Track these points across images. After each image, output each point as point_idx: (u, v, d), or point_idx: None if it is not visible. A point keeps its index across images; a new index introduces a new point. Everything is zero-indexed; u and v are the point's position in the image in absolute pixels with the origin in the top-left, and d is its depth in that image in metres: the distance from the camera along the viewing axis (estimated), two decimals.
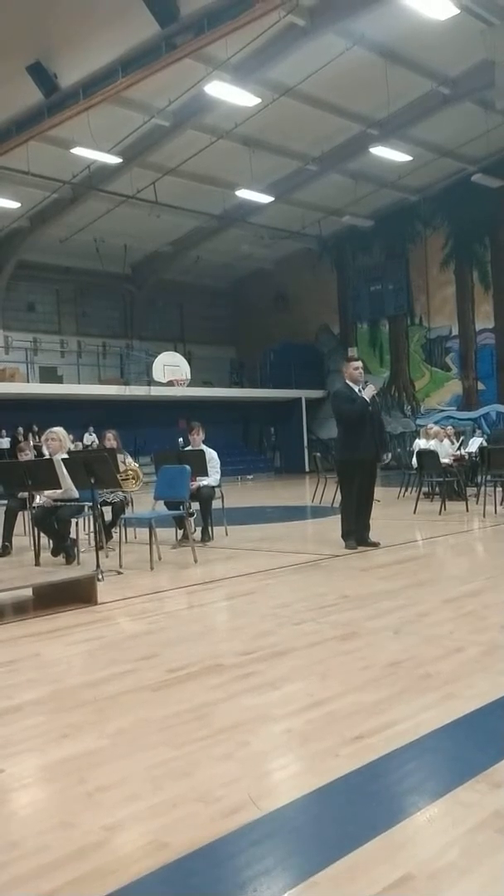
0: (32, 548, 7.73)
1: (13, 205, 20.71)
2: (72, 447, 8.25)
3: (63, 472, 7.18)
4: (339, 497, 8.43)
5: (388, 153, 20.10)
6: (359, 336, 27.53)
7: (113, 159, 18.89)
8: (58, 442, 7.80)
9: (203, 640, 4.63)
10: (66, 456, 7.54)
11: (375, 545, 7.82)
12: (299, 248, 27.43)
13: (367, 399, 7.66)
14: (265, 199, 22.18)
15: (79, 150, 17.86)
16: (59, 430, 7.95)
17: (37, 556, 7.42)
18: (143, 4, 13.67)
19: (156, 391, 23.50)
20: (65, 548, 7.42)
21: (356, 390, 7.74)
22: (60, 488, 7.27)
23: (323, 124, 19.36)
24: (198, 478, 8.67)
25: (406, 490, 13.83)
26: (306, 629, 4.67)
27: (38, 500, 7.63)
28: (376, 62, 16.59)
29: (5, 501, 9.07)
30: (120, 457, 8.72)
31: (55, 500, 7.41)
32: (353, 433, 7.72)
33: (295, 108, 18.04)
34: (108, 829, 2.33)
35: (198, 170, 20.42)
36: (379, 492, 13.36)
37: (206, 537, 9.01)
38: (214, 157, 19.62)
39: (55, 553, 7.55)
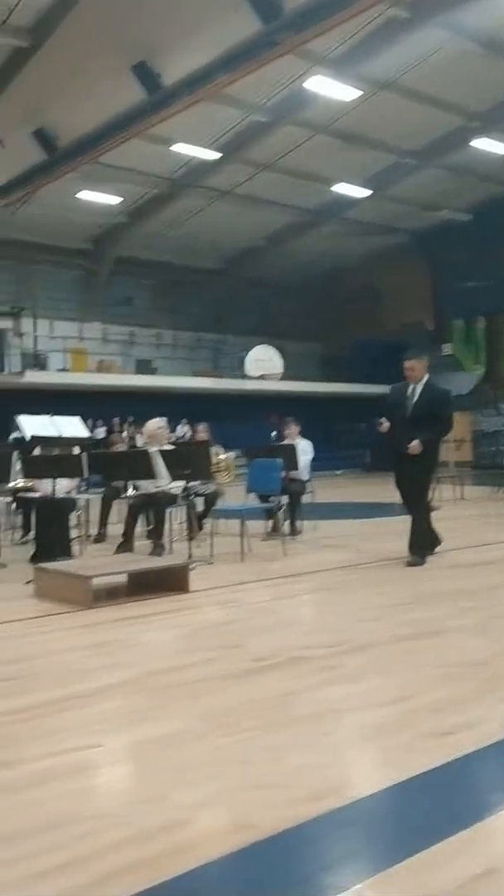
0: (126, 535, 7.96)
1: (115, 199, 21.27)
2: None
3: (159, 463, 7.39)
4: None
5: (490, 145, 19.67)
6: (454, 332, 26.99)
7: (212, 155, 19.14)
8: (162, 430, 8.32)
9: (287, 632, 4.71)
10: (168, 447, 7.80)
11: (416, 564, 6.72)
12: (393, 243, 27.09)
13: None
14: (363, 192, 22.03)
15: (178, 147, 18.19)
16: (163, 421, 8.50)
17: (130, 543, 7.64)
18: (247, 2, 13.79)
19: (249, 384, 23.72)
20: (158, 534, 7.58)
21: (408, 391, 7.32)
22: (155, 478, 7.49)
23: (422, 117, 19.08)
24: (289, 472, 8.75)
25: (501, 490, 13.60)
26: (388, 625, 4.68)
27: (147, 486, 7.86)
28: (479, 53, 16.25)
29: (102, 489, 9.38)
30: (213, 449, 8.89)
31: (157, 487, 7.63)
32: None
33: (394, 101, 17.85)
34: (194, 806, 2.43)
35: (294, 165, 20.46)
36: (469, 491, 13.16)
37: (294, 531, 9.09)
38: (311, 152, 19.61)
39: (125, 541, 7.62)
